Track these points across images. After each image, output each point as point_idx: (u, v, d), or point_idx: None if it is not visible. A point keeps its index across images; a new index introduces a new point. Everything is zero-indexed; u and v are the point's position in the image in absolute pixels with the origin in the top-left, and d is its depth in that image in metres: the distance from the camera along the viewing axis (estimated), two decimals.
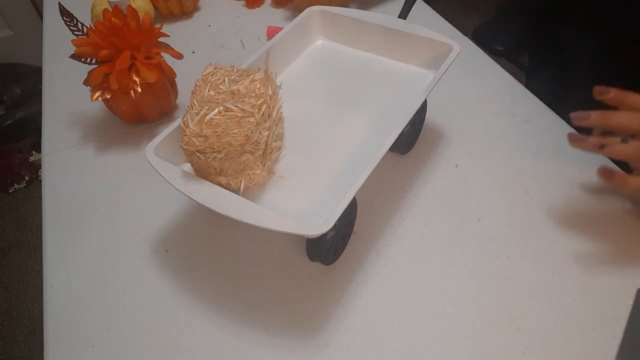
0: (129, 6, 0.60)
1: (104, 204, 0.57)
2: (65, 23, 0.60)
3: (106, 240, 0.53)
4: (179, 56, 0.63)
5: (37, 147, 1.71)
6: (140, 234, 0.53)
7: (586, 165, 0.57)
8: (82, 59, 0.59)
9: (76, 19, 0.61)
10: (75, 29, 0.60)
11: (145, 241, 0.53)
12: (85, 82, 0.59)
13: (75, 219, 0.55)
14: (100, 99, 0.59)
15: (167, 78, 0.62)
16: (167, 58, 0.62)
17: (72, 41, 0.58)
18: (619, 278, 0.47)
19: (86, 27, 0.60)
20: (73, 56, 0.59)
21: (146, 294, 0.48)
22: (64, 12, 0.60)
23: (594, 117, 0.46)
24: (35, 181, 1.65)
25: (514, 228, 0.52)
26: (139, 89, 0.59)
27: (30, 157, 1.68)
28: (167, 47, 0.63)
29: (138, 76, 0.59)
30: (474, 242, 0.51)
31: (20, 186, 1.63)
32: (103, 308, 0.48)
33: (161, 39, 0.63)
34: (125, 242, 0.53)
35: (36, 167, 1.66)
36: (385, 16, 0.59)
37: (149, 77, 0.58)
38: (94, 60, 0.60)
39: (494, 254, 0.50)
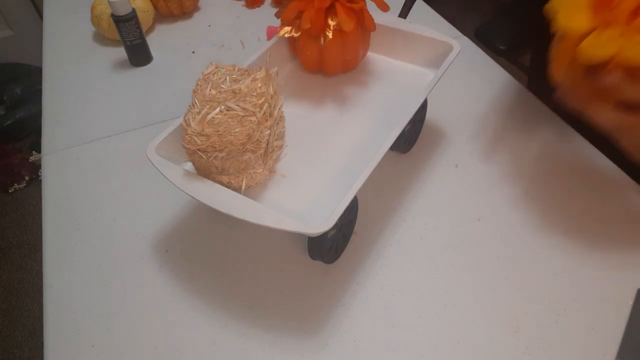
0: None
1: (104, 204, 0.57)
2: None
3: (106, 240, 0.53)
4: (384, 7, 0.56)
5: (37, 147, 1.71)
6: (140, 234, 0.53)
7: (587, 166, 0.57)
8: None
9: None
10: None
11: (145, 241, 0.53)
12: (277, 15, 0.55)
13: (75, 219, 0.55)
14: (286, 36, 0.55)
15: (364, 30, 0.56)
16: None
17: None
18: (619, 278, 0.47)
19: None
20: None
21: (146, 294, 0.48)
22: None
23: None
24: (35, 181, 1.65)
25: (513, 228, 0.51)
26: (330, 35, 0.53)
27: (30, 157, 1.67)
28: None
29: (333, 20, 0.53)
30: (474, 242, 0.51)
31: (20, 186, 1.63)
32: (103, 308, 0.47)
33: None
34: (125, 242, 0.53)
35: (36, 167, 1.66)
36: (385, 15, 0.59)
37: (345, 24, 0.52)
38: None
39: (494, 254, 0.49)
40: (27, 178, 1.64)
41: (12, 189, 1.63)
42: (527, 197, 0.54)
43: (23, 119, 1.74)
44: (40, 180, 0.62)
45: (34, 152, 1.70)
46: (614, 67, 0.39)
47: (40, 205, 0.58)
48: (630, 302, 0.45)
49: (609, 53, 0.38)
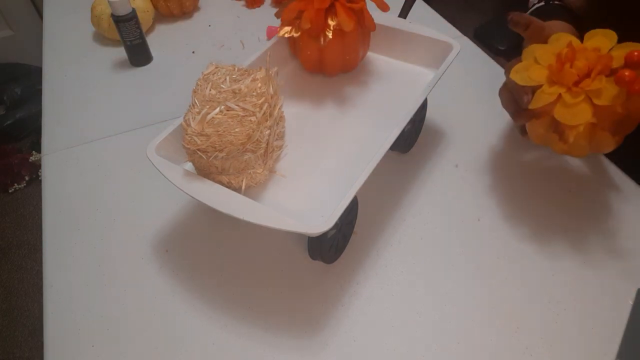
0: None
1: (104, 204, 0.57)
2: None
3: (106, 240, 0.53)
4: (384, 7, 0.56)
5: (37, 147, 1.71)
6: (140, 234, 0.53)
7: (587, 166, 0.57)
8: None
9: None
10: None
11: (145, 241, 0.53)
12: (277, 15, 0.55)
13: (75, 219, 0.55)
14: (286, 36, 0.55)
15: (364, 30, 0.56)
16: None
17: None
18: (619, 278, 0.47)
19: None
20: None
21: (146, 294, 0.48)
22: None
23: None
24: (35, 181, 1.65)
25: (513, 228, 0.51)
26: (330, 35, 0.53)
27: (30, 157, 1.67)
28: None
29: (333, 20, 0.53)
30: (474, 242, 0.51)
31: (20, 186, 1.63)
32: (103, 308, 0.47)
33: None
34: (125, 242, 0.53)
35: (36, 167, 1.66)
36: (385, 15, 0.59)
37: (345, 24, 0.51)
38: None
39: (494, 254, 0.49)
40: (27, 178, 1.64)
41: (12, 189, 1.63)
42: (527, 196, 0.54)
43: (23, 119, 1.74)
44: (40, 180, 0.62)
45: (34, 152, 1.70)
46: (544, 116, 0.46)
47: (40, 205, 0.58)
48: (630, 302, 0.45)
49: (543, 103, 0.44)
